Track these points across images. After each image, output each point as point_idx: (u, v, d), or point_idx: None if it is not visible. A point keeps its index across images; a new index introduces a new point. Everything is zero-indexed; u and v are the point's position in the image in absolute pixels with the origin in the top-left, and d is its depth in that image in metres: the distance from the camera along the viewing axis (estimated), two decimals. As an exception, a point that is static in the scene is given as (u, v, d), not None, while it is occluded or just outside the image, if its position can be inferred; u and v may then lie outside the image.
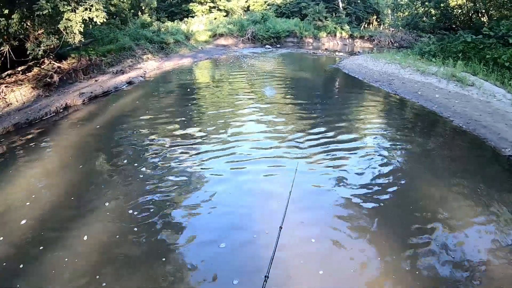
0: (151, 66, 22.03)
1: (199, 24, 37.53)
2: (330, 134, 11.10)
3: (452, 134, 11.77)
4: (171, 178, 8.25)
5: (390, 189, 8.01)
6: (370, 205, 7.35)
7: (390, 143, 10.79)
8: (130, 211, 6.93)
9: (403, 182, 8.40)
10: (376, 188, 8.05)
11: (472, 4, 24.03)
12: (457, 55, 19.61)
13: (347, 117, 13.12)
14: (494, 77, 16.17)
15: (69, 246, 5.96)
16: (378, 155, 9.77)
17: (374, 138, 11.14)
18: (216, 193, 7.67)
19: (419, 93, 16.19)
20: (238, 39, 36.12)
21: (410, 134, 11.64)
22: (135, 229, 6.42)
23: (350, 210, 7.18)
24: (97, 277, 5.32)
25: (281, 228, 4.47)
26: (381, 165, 9.14)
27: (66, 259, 5.64)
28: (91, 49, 18.43)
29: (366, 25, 42.42)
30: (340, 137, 10.89)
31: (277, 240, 4.21)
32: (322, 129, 11.52)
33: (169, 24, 33.33)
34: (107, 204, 7.16)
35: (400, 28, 33.12)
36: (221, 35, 35.79)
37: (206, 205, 7.26)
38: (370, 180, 8.37)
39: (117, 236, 6.22)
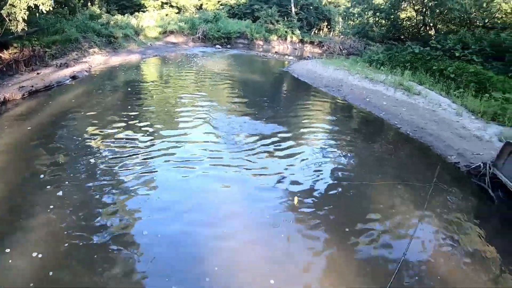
0: (97, 60, 20.78)
1: (150, 20, 36.37)
2: (277, 136, 10.87)
3: (400, 140, 11.82)
4: (113, 177, 7.80)
5: (335, 193, 8.01)
6: (314, 208, 7.29)
7: (338, 147, 10.66)
8: (70, 214, 6.43)
9: (349, 186, 8.33)
10: (320, 191, 8.01)
11: (421, 17, 24.66)
12: (405, 65, 19.83)
13: (295, 120, 12.91)
14: (439, 87, 16.43)
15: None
16: (325, 159, 9.69)
17: (321, 142, 11.05)
18: (159, 192, 7.44)
19: (368, 99, 16.19)
20: (188, 38, 35.27)
21: (358, 139, 11.59)
22: (76, 233, 5.96)
23: (293, 214, 7.08)
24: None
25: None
26: (327, 169, 9.09)
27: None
28: (35, 39, 17.01)
29: (316, 31, 42.74)
30: (287, 140, 10.67)
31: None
32: (269, 131, 11.24)
33: (119, 17, 31.89)
34: (51, 207, 6.59)
35: (350, 36, 33.56)
36: (172, 32, 34.75)
37: (148, 204, 6.99)
38: (315, 183, 8.30)
39: (57, 242, 5.73)
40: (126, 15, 35.57)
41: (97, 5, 31.40)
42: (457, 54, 18.68)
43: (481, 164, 9.26)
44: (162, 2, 42.31)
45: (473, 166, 9.48)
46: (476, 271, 5.98)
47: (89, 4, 29.98)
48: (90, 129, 10.26)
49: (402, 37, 26.03)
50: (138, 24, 32.68)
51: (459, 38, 19.70)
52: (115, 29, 26.64)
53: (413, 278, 5.67)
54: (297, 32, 40.39)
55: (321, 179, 8.52)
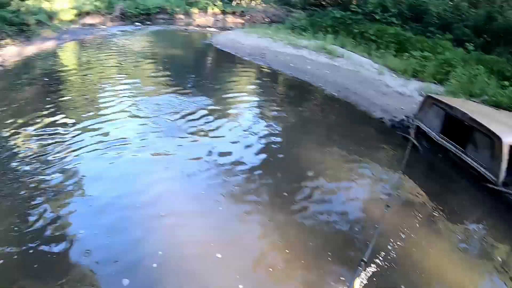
0: (10, 52, 18.75)
1: (63, 2, 34.40)
2: (204, 109, 10.58)
3: (326, 101, 11.98)
4: (38, 176, 7.09)
5: (267, 158, 8.03)
6: (251, 175, 7.30)
7: (267, 113, 10.62)
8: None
9: (282, 149, 8.46)
10: (256, 158, 8.05)
11: (341, -17, 24.90)
12: (327, 30, 19.96)
13: (220, 92, 12.61)
14: (361, 49, 16.74)
15: None
16: (256, 126, 9.65)
17: (248, 110, 10.94)
18: (88, 183, 6.96)
19: (292, 65, 16.10)
20: (106, 18, 33.39)
21: (285, 104, 11.59)
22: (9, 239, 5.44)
23: (228, 184, 7.01)
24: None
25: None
26: (259, 136, 9.09)
27: None
28: None
29: (239, 1, 42.37)
30: (214, 112, 10.42)
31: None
32: (196, 105, 10.89)
33: (30, 2, 29.82)
34: None
35: (272, 4, 33.52)
36: (88, 13, 32.60)
37: (78, 198, 6.53)
38: (250, 151, 8.32)
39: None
40: (37, -1, 33.41)
41: None
42: (377, 18, 19.16)
43: (404, 118, 9.61)
44: (75, -18, 40.06)
45: (397, 120, 9.76)
46: (409, 212, 6.44)
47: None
48: (8, 128, 9.19)
49: (324, 2, 26.22)
50: (51, 8, 30.61)
51: (379, 2, 20.08)
52: (27, 16, 24.62)
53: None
54: (219, 3, 39.74)
55: (252, 146, 8.49)
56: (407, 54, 14.73)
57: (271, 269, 5.10)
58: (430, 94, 9.39)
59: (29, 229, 5.65)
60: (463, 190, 7.53)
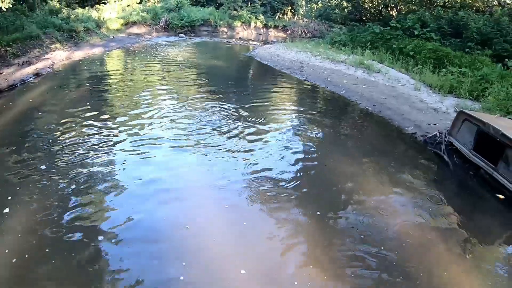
0: (60, 56, 19.95)
1: (111, 12, 35.54)
2: (244, 120, 10.82)
3: (360, 115, 12.19)
4: (85, 176, 7.40)
5: (307, 171, 8.16)
6: (288, 186, 7.33)
7: (303, 126, 10.74)
8: (47, 209, 6.19)
9: (317, 163, 8.53)
10: (293, 170, 8.10)
11: (381, -2, 25.00)
12: (366, 45, 20.16)
13: (260, 103, 12.84)
14: (399, 65, 16.83)
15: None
16: (293, 138, 9.81)
17: (286, 122, 11.07)
18: (134, 189, 7.16)
19: (329, 79, 16.35)
20: (151, 28, 34.59)
21: (321, 117, 11.76)
22: (54, 228, 5.78)
23: (269, 193, 7.07)
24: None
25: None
26: (294, 149, 9.15)
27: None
28: None
29: (280, 15, 42.73)
30: (252, 123, 10.60)
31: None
32: (235, 115, 11.17)
33: (79, 11, 30.92)
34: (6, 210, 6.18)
35: (313, 19, 33.82)
36: (134, 23, 33.94)
37: (124, 202, 6.74)
38: (284, 165, 8.31)
39: (24, 251, 5.32)
40: (86, 8, 34.65)
41: (56, 0, 30.35)
42: (416, 33, 19.17)
43: (437, 133, 9.62)
44: (123, -7, 41.52)
45: (429, 136, 9.84)
46: (439, 230, 6.32)
47: (47, -1, 29.10)
48: (55, 123, 9.92)
49: (364, 18, 26.35)
50: (100, 17, 31.63)
51: (418, 17, 20.14)
52: (76, 23, 25.58)
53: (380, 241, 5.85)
54: (261, 17, 40.31)
55: (286, 159, 8.56)
56: (444, 70, 14.71)
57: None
58: (463, 110, 9.32)
59: (73, 218, 6.06)
60: (494, 209, 7.40)
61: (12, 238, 5.54)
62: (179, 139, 9.32)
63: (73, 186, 6.93)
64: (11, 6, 12.78)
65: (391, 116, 11.61)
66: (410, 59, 17.03)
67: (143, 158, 8.25)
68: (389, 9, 25.65)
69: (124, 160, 8.11)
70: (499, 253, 6.19)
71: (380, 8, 25.68)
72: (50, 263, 5.09)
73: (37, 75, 15.85)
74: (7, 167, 7.55)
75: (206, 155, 8.50)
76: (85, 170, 7.48)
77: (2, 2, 12.28)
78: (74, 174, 7.29)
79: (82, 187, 6.93)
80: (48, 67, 17.24)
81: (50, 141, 8.85)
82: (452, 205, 7.16)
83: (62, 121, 10.08)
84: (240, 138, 9.52)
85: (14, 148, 8.43)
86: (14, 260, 5.07)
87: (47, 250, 5.32)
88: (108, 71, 18.33)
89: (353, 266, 5.36)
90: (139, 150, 8.56)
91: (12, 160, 7.89)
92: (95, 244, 5.52)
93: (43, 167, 7.57)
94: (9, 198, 6.45)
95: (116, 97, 13.09)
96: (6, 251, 5.22)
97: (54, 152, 8.29)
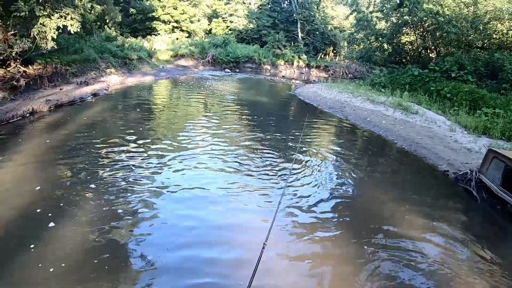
0: (114, 80, 22.09)
1: (161, 43, 37.77)
2: (285, 156, 11.35)
3: (396, 154, 12.92)
4: (131, 195, 7.96)
5: (342, 210, 8.32)
6: (321, 227, 7.48)
7: (342, 164, 11.25)
8: (91, 234, 6.47)
9: (354, 201, 8.90)
10: (327, 209, 8.32)
11: (421, 41, 25.72)
12: (405, 87, 21.01)
13: (302, 139, 13.45)
14: (436, 107, 17.55)
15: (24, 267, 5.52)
16: (330, 176, 10.24)
17: (325, 160, 11.49)
18: (179, 209, 7.66)
19: (368, 119, 17.29)
20: (198, 61, 36.52)
21: (360, 154, 12.63)
22: (101, 240, 6.31)
23: (301, 232, 7.22)
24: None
25: (265, 245, 4.55)
26: (333, 186, 9.52)
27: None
28: (56, 57, 18.12)
29: (323, 56, 43.97)
30: (291, 159, 10.88)
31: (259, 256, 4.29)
32: (277, 151, 11.73)
33: (132, 40, 33.31)
34: (60, 223, 6.69)
35: (355, 60, 34.67)
36: (182, 55, 36.06)
37: (169, 223, 7.17)
38: (323, 202, 8.59)
39: (78, 260, 5.77)
40: (138, 38, 37.04)
41: (112, 28, 32.30)
42: (453, 75, 19.90)
43: (468, 171, 10.26)
44: (173, 26, 43.95)
45: (460, 173, 10.47)
46: (468, 267, 6.60)
47: (104, 26, 31.18)
48: (113, 145, 10.83)
49: (404, 60, 27.12)
50: (151, 47, 34.04)
51: (455, 60, 20.87)
52: (130, 51, 27.93)
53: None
54: (304, 56, 41.57)
55: (325, 196, 8.85)
56: (479, 111, 15.37)
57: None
58: (491, 148, 9.88)
59: (120, 235, 6.52)
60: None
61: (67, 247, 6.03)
62: (217, 171, 9.66)
63: (123, 209, 7.37)
64: (79, 30, 14.26)
65: (426, 155, 12.33)
66: (447, 101, 17.70)
67: (182, 177, 8.97)
68: (428, 51, 26.33)
69: (163, 183, 8.69)
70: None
71: (419, 50, 26.40)
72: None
73: (94, 95, 17.92)
74: (55, 179, 8.37)
75: (245, 190, 8.74)
76: (132, 195, 7.97)
77: (72, 26, 13.72)
78: (120, 197, 7.82)
79: (132, 211, 7.34)
80: (105, 89, 19.26)
81: (99, 157, 9.74)
82: (478, 236, 7.63)
83: (117, 143, 11.03)
84: (281, 173, 9.94)
85: (68, 162, 9.31)
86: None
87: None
88: (157, 98, 19.82)
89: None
90: (180, 171, 9.40)
91: (61, 172, 8.73)
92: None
93: (89, 182, 8.28)
94: (55, 211, 7.02)
95: (160, 124, 14.23)
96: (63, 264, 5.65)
97: (100, 169, 9.04)
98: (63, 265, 5.60)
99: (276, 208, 6.18)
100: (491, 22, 22.44)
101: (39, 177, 8.40)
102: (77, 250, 5.97)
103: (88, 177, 8.51)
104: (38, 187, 7.85)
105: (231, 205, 7.97)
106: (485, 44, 23.00)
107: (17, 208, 7.03)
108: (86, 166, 9.13)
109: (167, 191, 8.29)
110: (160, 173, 9.21)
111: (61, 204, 7.26)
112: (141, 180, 8.67)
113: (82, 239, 6.26)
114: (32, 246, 5.91)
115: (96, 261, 5.75)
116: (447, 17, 22.33)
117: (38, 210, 6.98)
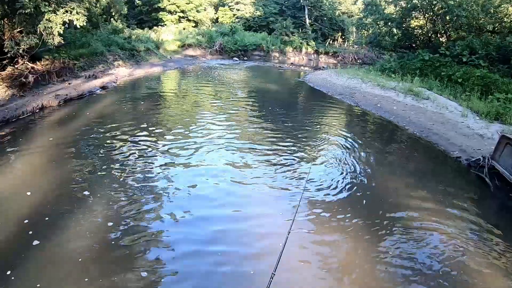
0: (122, 72, 22.17)
1: (168, 34, 37.65)
2: (297, 142, 11.57)
3: (408, 140, 12.92)
4: (145, 186, 8.18)
5: (354, 197, 8.44)
6: (333, 215, 7.55)
7: (353, 151, 11.36)
8: (109, 224, 6.69)
9: (366, 187, 8.98)
10: (346, 189, 8.67)
11: (431, 25, 25.40)
12: (415, 72, 20.84)
13: (312, 126, 13.77)
14: (447, 92, 17.39)
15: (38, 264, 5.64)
16: (342, 163, 10.32)
17: (337, 147, 11.62)
18: (192, 202, 7.77)
19: (379, 105, 17.24)
20: (206, 50, 36.42)
21: (371, 141, 12.64)
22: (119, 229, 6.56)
23: (315, 220, 7.35)
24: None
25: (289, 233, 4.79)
26: (345, 172, 9.65)
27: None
28: (63, 52, 18.26)
29: (331, 42, 43.59)
30: (303, 147, 11.29)
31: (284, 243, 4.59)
32: (289, 137, 11.95)
33: (139, 31, 33.21)
34: (81, 215, 6.89)
35: (364, 45, 34.40)
36: (190, 45, 35.98)
37: (183, 213, 7.30)
38: (344, 186, 8.85)
39: (93, 251, 5.94)
40: (145, 29, 36.96)
41: (119, 20, 32.14)
42: (464, 60, 19.63)
43: (481, 157, 10.20)
44: (180, 17, 43.81)
45: (473, 160, 10.44)
46: (483, 254, 6.65)
47: (110, 19, 31.15)
48: (124, 136, 11.05)
49: (414, 45, 26.79)
50: (158, 38, 34.00)
51: (466, 44, 20.51)
52: (137, 43, 27.98)
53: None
54: (312, 43, 41.31)
55: (337, 183, 8.97)
56: (491, 96, 15.21)
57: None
58: (504, 134, 9.76)
59: (130, 226, 6.69)
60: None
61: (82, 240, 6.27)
62: (229, 160, 9.87)
63: (137, 202, 7.55)
64: (85, 24, 14.32)
65: (437, 141, 12.37)
66: (458, 86, 17.59)
67: (200, 177, 8.85)
68: (438, 35, 26.01)
69: (175, 173, 8.98)
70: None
71: (429, 34, 26.08)
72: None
73: (103, 88, 18.08)
74: (73, 175, 8.48)
75: (258, 179, 8.89)
76: (145, 187, 8.20)
77: (77, 20, 13.76)
78: (133, 188, 8.06)
79: (147, 204, 7.54)
80: (113, 82, 19.43)
81: (111, 150, 9.97)
82: (490, 223, 7.64)
83: (128, 134, 11.29)
84: (294, 159, 10.23)
85: (81, 155, 9.59)
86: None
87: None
88: (165, 89, 20.00)
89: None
90: (188, 160, 9.62)
91: (76, 167, 8.87)
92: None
93: (104, 177, 8.45)
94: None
95: (169, 114, 14.42)
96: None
97: (108, 157, 9.44)
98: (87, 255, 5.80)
99: (299, 199, 6.74)
100: (502, 5, 22.00)
101: (53, 173, 8.56)
102: (94, 244, 6.13)
103: (103, 172, 8.67)
104: (55, 183, 8.03)
105: (251, 198, 8.09)
106: (496, 28, 22.58)
107: (33, 203, 7.22)
108: (99, 161, 9.31)
109: (184, 186, 8.37)
110: (175, 167, 9.33)
111: (85, 193, 7.63)
112: (155, 176, 8.76)
113: (97, 230, 6.46)
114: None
115: (114, 254, 5.94)
116: (457, 0, 21.97)
117: (49, 204, 7.21)
